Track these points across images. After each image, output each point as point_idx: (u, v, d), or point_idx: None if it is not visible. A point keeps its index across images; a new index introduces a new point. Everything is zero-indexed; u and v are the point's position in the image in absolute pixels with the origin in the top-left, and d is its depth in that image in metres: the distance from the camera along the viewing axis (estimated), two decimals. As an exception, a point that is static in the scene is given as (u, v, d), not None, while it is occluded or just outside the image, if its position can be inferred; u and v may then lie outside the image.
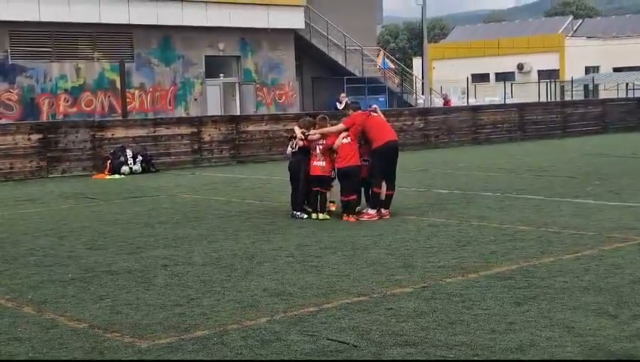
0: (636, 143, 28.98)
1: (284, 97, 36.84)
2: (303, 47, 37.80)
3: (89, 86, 31.27)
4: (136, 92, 32.31)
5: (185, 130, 24.79)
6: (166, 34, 32.93)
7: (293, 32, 36.79)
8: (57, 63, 30.64)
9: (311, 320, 6.97)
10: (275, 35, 36.00)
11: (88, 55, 31.28)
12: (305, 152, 13.02)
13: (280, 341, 6.38)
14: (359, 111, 13.06)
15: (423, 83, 46.41)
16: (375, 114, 13.15)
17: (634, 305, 7.17)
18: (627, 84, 52.20)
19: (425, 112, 31.97)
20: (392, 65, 46.11)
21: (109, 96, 31.54)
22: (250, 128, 26.02)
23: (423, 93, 45.45)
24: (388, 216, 12.66)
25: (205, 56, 34.32)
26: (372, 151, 12.85)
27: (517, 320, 6.78)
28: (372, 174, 12.87)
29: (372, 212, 12.68)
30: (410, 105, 40.73)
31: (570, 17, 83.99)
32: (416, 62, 64.70)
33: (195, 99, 33.99)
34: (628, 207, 13.26)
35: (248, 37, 35.43)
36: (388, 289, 8.03)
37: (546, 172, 19.48)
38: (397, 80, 44.42)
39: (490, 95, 53.44)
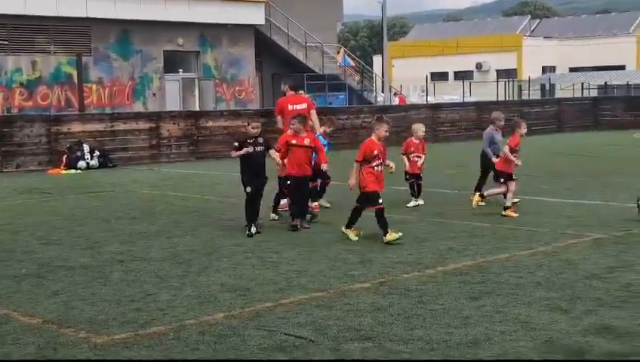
0: (590, 142, 29.44)
1: (244, 93, 36.72)
2: (263, 43, 37.70)
3: (45, 80, 30.85)
4: (94, 86, 31.96)
5: (143, 125, 24.59)
6: (124, 28, 32.60)
7: (254, 28, 36.69)
8: (13, 57, 30.16)
9: (268, 315, 6.96)
10: (235, 30, 35.86)
11: (45, 48, 30.84)
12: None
13: (237, 336, 6.36)
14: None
15: (382, 81, 46.61)
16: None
17: (586, 300, 7.29)
18: (582, 84, 52.97)
19: (384, 110, 32.09)
20: (352, 63, 46.24)
21: (65, 91, 31.15)
22: (210, 124, 25.91)
23: (382, 91, 45.66)
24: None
25: (164, 51, 34.07)
26: None
27: (472, 314, 6.86)
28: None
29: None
30: (371, 103, 40.86)
31: (528, 17, 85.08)
32: (377, 60, 65.00)
33: (154, 95, 33.72)
34: (582, 205, 13.48)
35: (208, 32, 35.24)
36: (346, 284, 8.06)
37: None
38: (357, 77, 44.55)
39: (449, 93, 53.86)
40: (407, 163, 13.80)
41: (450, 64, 67.36)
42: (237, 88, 36.47)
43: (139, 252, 9.99)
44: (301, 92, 13.87)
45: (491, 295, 7.52)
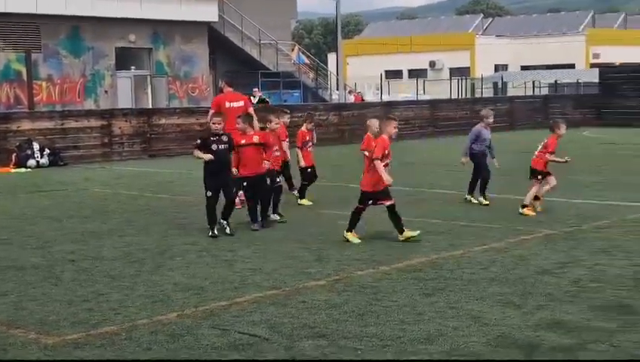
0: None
1: (197, 90, 36.49)
2: (216, 40, 37.51)
3: (-7, 77, 30.30)
4: (44, 84, 31.49)
5: (95, 122, 24.26)
6: (75, 24, 32.15)
7: (207, 24, 36.46)
8: (-40, 53, 29.59)
9: (222, 314, 6.93)
10: (188, 27, 35.61)
11: (-7, 45, 30.31)
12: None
13: (190, 335, 6.32)
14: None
15: (337, 78, 46.68)
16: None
17: (538, 295, 7.38)
18: (534, 82, 53.66)
19: (339, 108, 32.16)
20: (306, 61, 46.22)
21: (14, 88, 30.63)
22: (163, 121, 25.66)
23: (337, 89, 45.72)
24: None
25: (116, 47, 33.70)
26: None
27: (426, 310, 6.90)
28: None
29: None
30: (325, 101, 40.91)
31: (481, 16, 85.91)
32: (331, 57, 65.05)
33: (106, 92, 33.34)
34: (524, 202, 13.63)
35: (161, 29, 34.94)
36: (301, 282, 8.05)
37: (456, 167, 19.84)
38: (312, 75, 44.57)
39: (404, 91, 54.15)
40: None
41: (405, 62, 67.72)
42: (190, 85, 36.23)
43: (90, 251, 9.86)
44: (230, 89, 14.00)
45: (445, 291, 7.58)
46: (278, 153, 12.57)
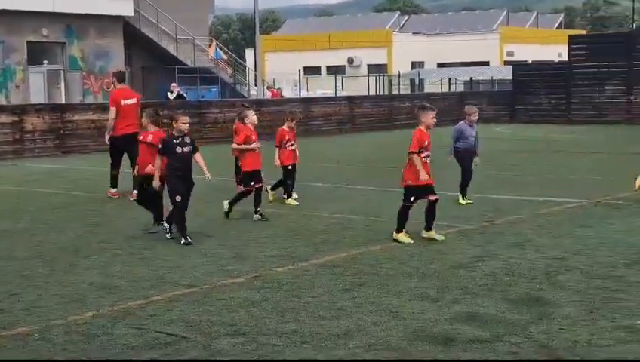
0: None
1: (112, 86, 35.61)
2: (132, 35, 36.91)
3: None
4: (-48, 78, 30.45)
5: (5, 118, 23.52)
6: (-16, 17, 31.19)
7: (122, 19, 35.85)
8: None
9: (139, 313, 6.81)
10: (103, 21, 34.94)
11: None
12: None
13: (106, 335, 6.20)
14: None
15: (255, 74, 46.53)
16: None
17: (454, 289, 7.51)
18: (450, 79, 54.62)
19: (258, 103, 32.05)
20: (224, 56, 45.94)
21: None
22: (77, 117, 25.06)
23: (255, 85, 45.58)
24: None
25: (28, 42, 32.82)
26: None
27: (345, 306, 6.93)
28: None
29: None
30: (244, 97, 40.71)
31: (397, 13, 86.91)
32: (249, 53, 64.82)
33: (17, 87, 32.44)
34: (450, 197, 13.85)
35: (74, 23, 34.18)
36: (219, 279, 7.99)
37: (375, 163, 20.04)
38: (230, 71, 44.31)
39: (322, 88, 54.38)
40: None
41: (323, 59, 68.00)
42: (105, 81, 35.50)
43: (2, 251, 9.56)
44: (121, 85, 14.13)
45: (364, 286, 7.63)
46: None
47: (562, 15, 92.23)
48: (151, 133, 10.88)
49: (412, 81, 57.16)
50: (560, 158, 20.91)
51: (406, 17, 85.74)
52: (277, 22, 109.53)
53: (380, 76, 54.66)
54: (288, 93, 49.29)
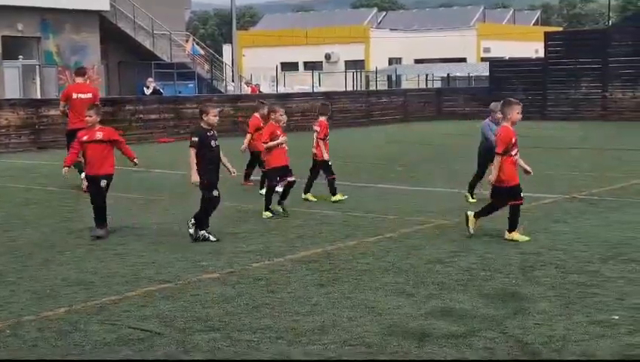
0: (433, 132, 30.46)
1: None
2: (108, 30, 36.65)
3: None
4: None
5: (-21, 113, 23.31)
6: (-42, 11, 30.83)
7: (98, 13, 35.58)
8: None
9: (112, 309, 6.75)
10: (79, 16, 34.65)
11: None
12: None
13: (79, 331, 6.13)
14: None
15: (232, 70, 46.38)
16: None
17: (429, 284, 7.50)
18: (427, 75, 54.71)
19: (235, 99, 31.96)
20: (201, 52, 45.72)
21: None
22: (52, 113, 24.83)
23: (233, 80, 45.43)
24: None
25: (2, 36, 32.49)
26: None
27: (320, 301, 6.91)
28: None
29: None
30: (221, 92, 40.58)
31: (375, 10, 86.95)
32: (227, 49, 64.59)
33: (-8, 82, 32.11)
34: (427, 192, 13.90)
35: (50, 17, 33.87)
36: (194, 275, 7.93)
37: (352, 158, 20.02)
38: (207, 66, 44.11)
39: (300, 83, 54.27)
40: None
41: (300, 54, 67.83)
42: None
43: (-26, 247, 9.45)
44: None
45: (339, 281, 7.61)
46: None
47: (539, 12, 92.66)
48: (99, 131, 10.14)
49: (389, 77, 57.19)
50: (536, 154, 20.98)
51: (384, 13, 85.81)
52: (255, 17, 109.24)
53: (357, 72, 54.59)
54: (266, 88, 49.16)
